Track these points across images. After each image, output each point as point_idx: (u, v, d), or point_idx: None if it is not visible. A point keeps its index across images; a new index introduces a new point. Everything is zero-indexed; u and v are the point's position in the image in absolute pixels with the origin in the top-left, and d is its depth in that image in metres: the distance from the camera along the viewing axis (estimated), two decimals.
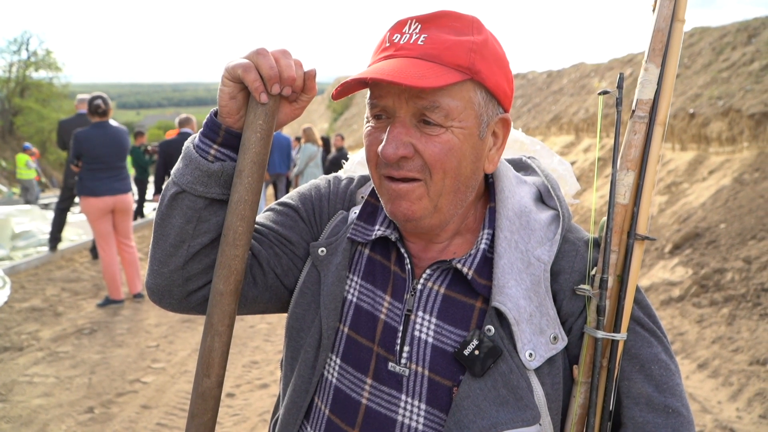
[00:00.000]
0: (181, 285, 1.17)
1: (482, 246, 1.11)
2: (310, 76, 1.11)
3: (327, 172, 12.20)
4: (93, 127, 6.58)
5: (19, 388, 4.74)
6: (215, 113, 1.14)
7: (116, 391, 4.73)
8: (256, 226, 1.24)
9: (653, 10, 1.09)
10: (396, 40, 1.06)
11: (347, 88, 1.07)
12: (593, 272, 1.08)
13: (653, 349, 1.08)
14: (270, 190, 14.82)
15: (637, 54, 15.48)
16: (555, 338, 1.04)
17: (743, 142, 8.80)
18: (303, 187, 1.32)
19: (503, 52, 1.10)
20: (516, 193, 1.14)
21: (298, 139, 16.49)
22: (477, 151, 1.07)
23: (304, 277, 1.21)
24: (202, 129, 1.15)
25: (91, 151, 6.51)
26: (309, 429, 1.18)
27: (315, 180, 1.33)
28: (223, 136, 1.13)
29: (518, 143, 1.50)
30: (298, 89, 1.11)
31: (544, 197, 1.19)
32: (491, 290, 1.06)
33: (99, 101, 6.57)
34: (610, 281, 1.07)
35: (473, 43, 1.03)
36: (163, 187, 1.20)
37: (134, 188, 10.30)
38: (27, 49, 35.14)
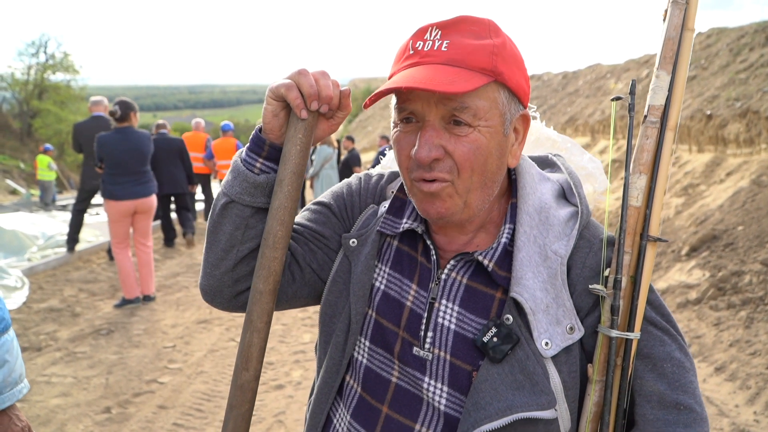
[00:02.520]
0: (230, 286, 1.28)
1: (503, 240, 1.17)
2: (345, 95, 1.20)
3: (340, 173, 12.21)
4: (114, 132, 6.67)
5: (37, 388, 4.79)
6: (260, 129, 1.23)
7: (133, 391, 4.77)
8: (293, 227, 1.33)
9: (664, 19, 1.13)
10: (420, 48, 1.11)
11: (378, 97, 1.12)
12: (606, 273, 1.12)
13: (666, 348, 1.12)
14: None
15: (653, 55, 15.36)
16: (572, 329, 1.10)
17: (761, 143, 8.71)
18: (335, 186, 1.42)
19: (519, 53, 1.16)
20: (537, 190, 1.20)
21: None
22: (502, 148, 1.13)
23: (337, 267, 1.29)
24: (248, 144, 1.26)
25: (112, 156, 6.59)
26: (342, 404, 1.27)
27: (348, 179, 1.42)
28: (268, 151, 1.23)
29: (550, 141, 1.55)
30: (334, 107, 1.20)
31: (566, 194, 1.25)
32: (510, 282, 1.12)
33: (115, 107, 6.64)
34: (624, 281, 1.10)
35: (494, 46, 1.08)
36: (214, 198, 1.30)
37: None
38: (45, 52, 35.53)
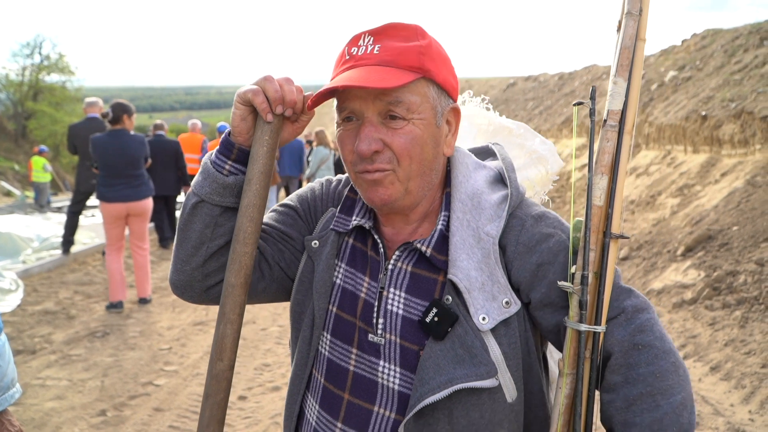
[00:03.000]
0: (201, 281, 1.36)
1: (439, 227, 1.27)
2: (308, 99, 1.27)
3: (336, 174, 12.20)
4: (107, 135, 6.63)
5: (32, 391, 4.78)
6: (229, 134, 1.31)
7: (129, 393, 4.76)
8: (262, 226, 1.39)
9: (618, 29, 1.21)
10: (354, 53, 1.22)
11: (321, 98, 1.22)
12: (573, 270, 1.18)
13: (619, 302, 1.19)
14: (282, 193, 14.84)
15: (649, 56, 15.40)
16: (507, 303, 1.19)
17: (755, 144, 8.73)
18: (301, 190, 1.51)
19: (446, 52, 1.27)
20: (471, 178, 1.30)
21: (309, 143, 16.53)
22: (436, 138, 1.24)
23: (302, 268, 1.39)
24: (218, 147, 1.33)
25: (104, 159, 6.56)
26: (310, 397, 1.37)
27: (311, 183, 1.52)
28: (236, 154, 1.31)
29: (507, 129, 1.69)
30: (298, 111, 1.28)
31: (503, 179, 1.34)
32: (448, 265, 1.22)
33: (108, 110, 6.61)
34: (590, 277, 1.17)
35: (421, 47, 1.19)
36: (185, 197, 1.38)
37: None
38: (40, 53, 35.42)
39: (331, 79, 1.25)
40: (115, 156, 6.54)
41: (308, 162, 12.24)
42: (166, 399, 4.68)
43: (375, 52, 1.19)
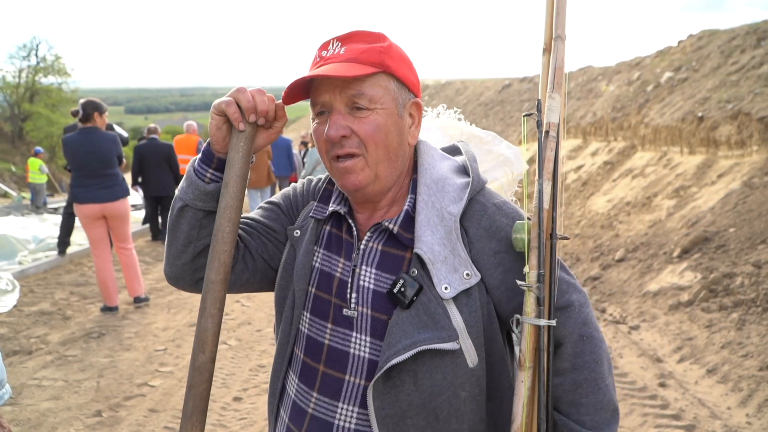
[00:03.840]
0: (191, 274, 1.51)
1: (406, 207, 1.39)
2: (280, 107, 1.42)
3: None
4: (78, 134, 6.38)
5: (28, 391, 4.76)
6: (209, 143, 1.43)
7: (124, 394, 4.74)
8: (247, 221, 1.55)
9: (544, 51, 1.37)
10: (324, 55, 1.37)
11: (295, 93, 1.37)
12: (526, 269, 1.27)
13: (567, 296, 1.32)
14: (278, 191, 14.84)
15: (645, 57, 15.43)
16: (468, 275, 1.30)
17: (753, 145, 8.75)
18: (285, 189, 1.64)
19: (405, 53, 1.42)
20: (437, 166, 1.42)
21: (305, 144, 16.51)
22: (399, 127, 1.37)
23: (285, 256, 1.51)
24: (200, 156, 1.46)
25: (75, 158, 6.35)
26: (291, 373, 1.48)
27: (295, 183, 1.65)
28: (216, 163, 1.44)
29: (477, 138, 1.86)
30: (270, 118, 1.42)
31: (466, 169, 1.46)
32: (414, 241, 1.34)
33: (79, 107, 6.34)
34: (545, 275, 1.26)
35: (382, 47, 1.34)
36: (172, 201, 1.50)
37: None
38: (36, 55, 35.39)
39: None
40: (87, 155, 6.30)
41: (304, 163, 12.23)
42: (161, 400, 4.66)
43: (341, 52, 1.34)
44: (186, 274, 1.51)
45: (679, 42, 14.38)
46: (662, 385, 4.80)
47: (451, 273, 1.30)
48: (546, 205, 1.27)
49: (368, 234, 1.41)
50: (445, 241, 1.32)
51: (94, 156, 6.32)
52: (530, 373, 1.26)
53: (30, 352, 5.58)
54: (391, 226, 1.37)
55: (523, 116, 1.38)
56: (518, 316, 1.28)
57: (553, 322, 1.25)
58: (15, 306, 6.89)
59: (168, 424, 4.29)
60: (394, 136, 1.35)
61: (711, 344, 5.28)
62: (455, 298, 1.29)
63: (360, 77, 1.30)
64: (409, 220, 1.37)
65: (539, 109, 1.31)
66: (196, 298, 6.94)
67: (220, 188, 1.40)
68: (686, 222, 8.12)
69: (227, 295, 1.44)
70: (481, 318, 1.32)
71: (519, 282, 1.27)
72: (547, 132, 1.30)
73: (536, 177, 1.30)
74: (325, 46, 1.38)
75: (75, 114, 6.46)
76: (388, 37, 1.39)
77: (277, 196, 1.62)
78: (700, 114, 10.11)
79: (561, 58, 1.33)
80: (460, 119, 1.89)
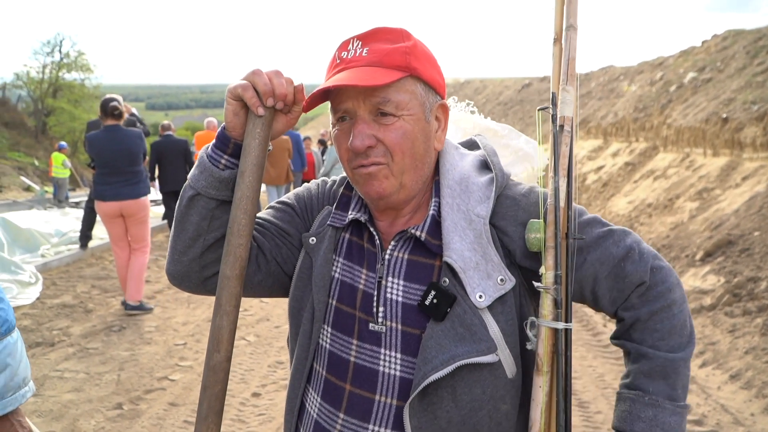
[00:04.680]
0: (198, 271, 1.38)
1: (431, 212, 1.31)
2: (299, 90, 1.30)
3: None
4: (103, 131, 6.37)
5: (50, 383, 4.81)
6: (225, 128, 1.33)
7: (144, 388, 4.78)
8: (259, 221, 1.45)
9: (555, 41, 1.27)
10: (344, 57, 1.28)
11: (315, 100, 1.29)
12: (542, 270, 1.21)
13: (603, 249, 1.26)
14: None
15: (668, 57, 15.26)
16: (502, 280, 1.23)
17: None
18: (298, 189, 1.54)
19: (431, 52, 1.34)
20: (458, 165, 1.35)
21: (323, 142, 16.54)
22: (426, 133, 1.29)
23: (300, 264, 1.41)
24: (214, 141, 1.35)
25: (100, 155, 6.33)
26: (311, 390, 1.38)
27: (308, 183, 1.55)
28: (232, 148, 1.33)
29: (491, 131, 1.75)
30: (289, 102, 1.30)
31: (487, 164, 1.39)
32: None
33: (115, 103, 6.29)
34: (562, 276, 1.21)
35: (407, 48, 1.26)
36: (182, 189, 1.39)
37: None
38: (60, 51, 35.75)
39: (326, 81, 1.30)
40: (113, 152, 6.28)
41: (323, 161, 12.22)
42: (181, 394, 4.70)
43: (363, 54, 1.26)
44: (192, 271, 1.38)
45: (703, 42, 14.20)
46: None
47: (485, 280, 1.23)
48: (561, 203, 1.21)
49: (392, 243, 1.33)
50: (476, 245, 1.24)
51: (120, 153, 6.31)
52: (548, 378, 1.21)
53: (52, 344, 5.65)
54: (417, 233, 1.29)
55: (538, 110, 1.29)
56: (533, 318, 1.23)
57: (571, 325, 1.20)
58: (38, 298, 6.99)
59: (188, 418, 4.32)
60: (420, 143, 1.27)
61: (734, 349, 5.21)
62: (490, 307, 1.22)
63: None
64: (436, 226, 1.30)
65: (554, 103, 1.23)
66: None
67: (235, 176, 1.32)
68: (709, 225, 8.02)
69: None
70: (517, 326, 1.25)
71: (535, 284, 1.22)
72: (561, 126, 1.23)
73: (551, 174, 1.24)
74: (344, 47, 1.29)
75: (113, 110, 6.27)
76: (412, 33, 1.31)
77: (290, 197, 1.52)
78: (724, 115, 9.97)
79: (573, 48, 1.24)
80: (473, 112, 1.81)
